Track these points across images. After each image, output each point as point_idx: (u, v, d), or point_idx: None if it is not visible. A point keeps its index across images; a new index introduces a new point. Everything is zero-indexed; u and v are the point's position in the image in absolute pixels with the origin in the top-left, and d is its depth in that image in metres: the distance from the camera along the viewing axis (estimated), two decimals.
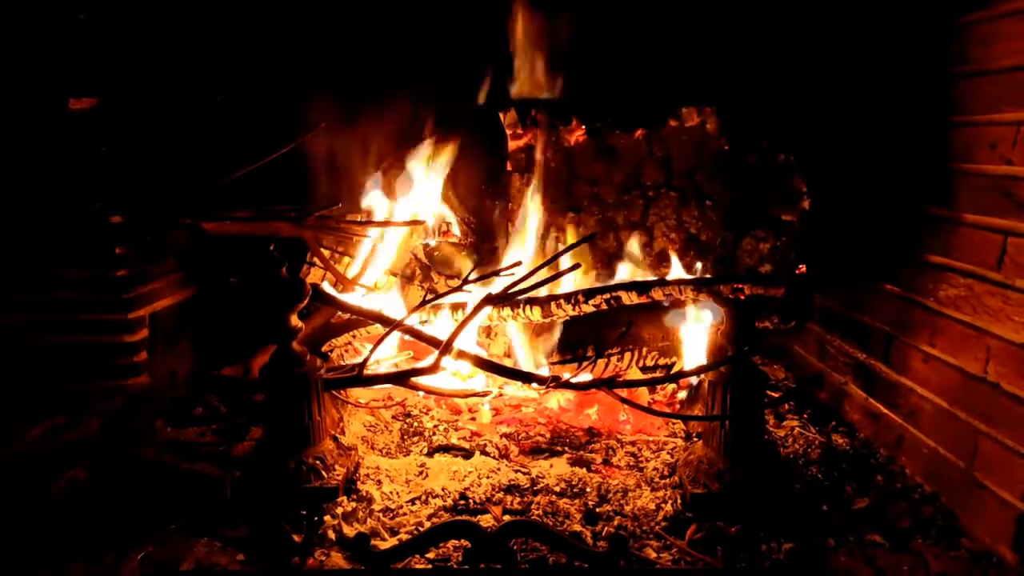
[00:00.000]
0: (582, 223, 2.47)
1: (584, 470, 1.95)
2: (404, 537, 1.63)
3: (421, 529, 1.65)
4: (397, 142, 2.57)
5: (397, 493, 1.81)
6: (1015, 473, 1.55)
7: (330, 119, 2.44)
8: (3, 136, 1.98)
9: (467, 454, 2.06)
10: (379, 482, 1.86)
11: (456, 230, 2.64)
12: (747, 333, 1.75)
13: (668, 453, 2.04)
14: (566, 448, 2.11)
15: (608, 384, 1.80)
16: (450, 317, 2.27)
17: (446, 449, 2.09)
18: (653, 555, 1.59)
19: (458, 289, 1.97)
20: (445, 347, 1.85)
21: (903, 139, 2.02)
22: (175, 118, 2.28)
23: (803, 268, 2.37)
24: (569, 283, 2.36)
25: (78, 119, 2.00)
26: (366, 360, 1.90)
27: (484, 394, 2.33)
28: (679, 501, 1.77)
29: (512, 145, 2.48)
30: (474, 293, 2.05)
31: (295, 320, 1.80)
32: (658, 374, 2.45)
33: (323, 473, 1.78)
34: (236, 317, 2.46)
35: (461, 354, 1.94)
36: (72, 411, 2.00)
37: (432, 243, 2.62)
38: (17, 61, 1.95)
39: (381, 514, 1.72)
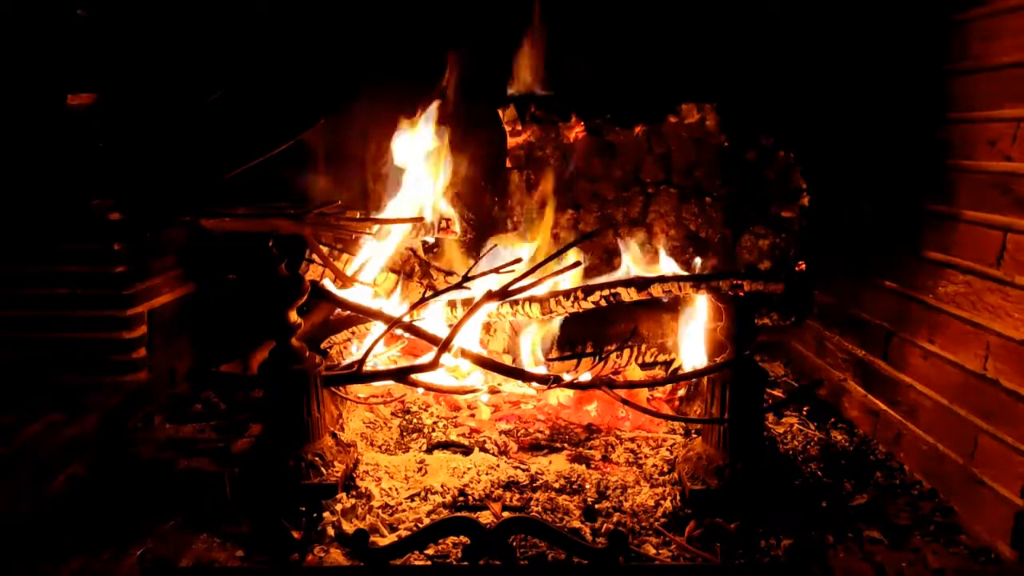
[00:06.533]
0: (581, 220, 2.46)
1: (583, 466, 1.95)
2: (403, 534, 1.63)
3: (420, 525, 1.65)
4: (397, 138, 2.56)
5: (396, 490, 1.81)
6: (1014, 469, 1.55)
7: (329, 114, 2.44)
8: (2, 132, 1.98)
9: (466, 451, 2.06)
10: (378, 479, 1.86)
11: (456, 227, 2.64)
12: (747, 330, 1.75)
13: (667, 449, 2.04)
14: (565, 444, 2.11)
15: (608, 384, 1.80)
16: (449, 314, 2.26)
17: (445, 446, 2.09)
18: (652, 551, 1.59)
19: (458, 286, 1.97)
20: (445, 344, 1.85)
21: (903, 136, 2.02)
22: (174, 114, 2.27)
23: (802, 265, 2.37)
24: (569, 280, 2.35)
25: (76, 115, 2.00)
26: (365, 356, 1.90)
27: (484, 390, 2.33)
28: (678, 497, 1.77)
29: (511, 142, 2.47)
30: (474, 290, 2.05)
31: (294, 316, 1.80)
32: (657, 371, 2.45)
33: (322, 470, 1.78)
34: (235, 314, 2.46)
35: (461, 352, 1.94)
36: (70, 407, 1.99)
37: (432, 240, 2.62)
38: (16, 57, 1.94)
39: (380, 511, 1.72)
